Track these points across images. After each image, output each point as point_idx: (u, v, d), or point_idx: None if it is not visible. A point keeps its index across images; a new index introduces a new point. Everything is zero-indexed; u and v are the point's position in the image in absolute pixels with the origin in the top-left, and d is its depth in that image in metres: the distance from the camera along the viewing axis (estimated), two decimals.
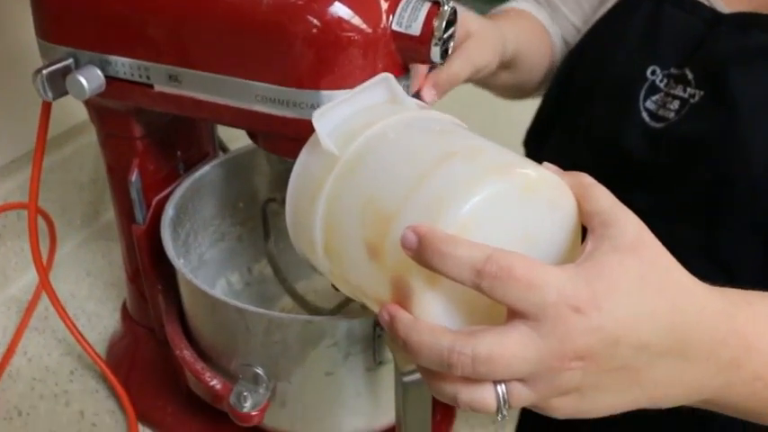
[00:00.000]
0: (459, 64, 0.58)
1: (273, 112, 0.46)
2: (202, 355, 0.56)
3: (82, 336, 0.70)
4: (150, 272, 0.60)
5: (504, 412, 0.35)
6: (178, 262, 0.52)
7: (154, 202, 0.60)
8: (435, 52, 0.45)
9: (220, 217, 0.69)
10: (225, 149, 0.73)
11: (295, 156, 0.47)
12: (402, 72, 0.48)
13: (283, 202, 0.60)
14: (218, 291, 0.72)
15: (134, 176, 0.57)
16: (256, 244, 0.73)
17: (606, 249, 0.35)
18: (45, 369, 0.75)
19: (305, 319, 0.48)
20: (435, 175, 0.37)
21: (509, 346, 0.34)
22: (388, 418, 0.57)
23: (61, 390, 0.74)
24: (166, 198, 0.60)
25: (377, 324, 0.48)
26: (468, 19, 0.61)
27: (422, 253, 0.34)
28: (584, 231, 0.38)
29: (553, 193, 0.38)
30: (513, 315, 0.34)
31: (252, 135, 0.51)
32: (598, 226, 0.37)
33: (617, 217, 0.37)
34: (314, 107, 0.44)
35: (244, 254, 0.74)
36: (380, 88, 0.44)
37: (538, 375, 0.35)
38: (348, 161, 0.41)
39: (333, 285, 0.47)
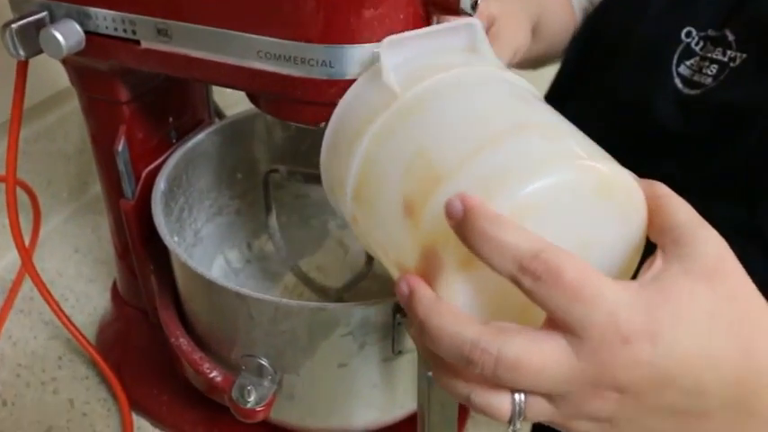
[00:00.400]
0: (497, 52, 0.53)
1: (278, 70, 0.40)
2: (200, 342, 0.51)
3: (69, 320, 0.64)
4: (141, 251, 0.55)
5: (518, 425, 0.30)
6: (171, 241, 0.47)
7: (143, 175, 0.54)
8: (466, 1, 0.39)
9: (217, 189, 0.63)
10: (221, 115, 0.67)
11: (303, 121, 0.42)
12: (423, 26, 0.42)
13: (289, 174, 0.55)
14: (216, 270, 0.66)
15: (120, 146, 0.51)
16: (256, 218, 0.67)
17: (676, 272, 0.30)
18: (31, 354, 0.70)
19: (316, 306, 0.42)
20: (502, 145, 0.32)
21: (540, 357, 0.29)
22: (404, 410, 0.52)
23: (49, 377, 0.69)
24: (157, 170, 0.54)
25: (397, 311, 0.43)
26: (487, 4, 0.55)
27: (465, 227, 0.29)
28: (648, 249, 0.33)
29: (626, 199, 0.32)
30: (553, 323, 0.29)
31: (253, 97, 0.45)
32: (671, 244, 0.31)
33: (694, 235, 0.31)
34: (325, 65, 0.38)
35: (243, 229, 0.68)
36: (462, 33, 0.39)
37: (566, 396, 0.30)
38: (408, 102, 0.36)
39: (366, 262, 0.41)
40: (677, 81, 0.60)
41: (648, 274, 0.30)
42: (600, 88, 0.68)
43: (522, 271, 0.28)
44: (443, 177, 0.32)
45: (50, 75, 0.66)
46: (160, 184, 0.52)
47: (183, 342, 0.51)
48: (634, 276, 0.32)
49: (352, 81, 0.39)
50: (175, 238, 0.56)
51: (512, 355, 0.28)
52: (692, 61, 0.60)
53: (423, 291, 0.31)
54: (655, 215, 0.32)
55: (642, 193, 0.33)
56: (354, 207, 0.39)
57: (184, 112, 0.58)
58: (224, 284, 0.43)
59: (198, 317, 0.50)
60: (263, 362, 0.46)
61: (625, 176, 0.32)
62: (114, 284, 0.69)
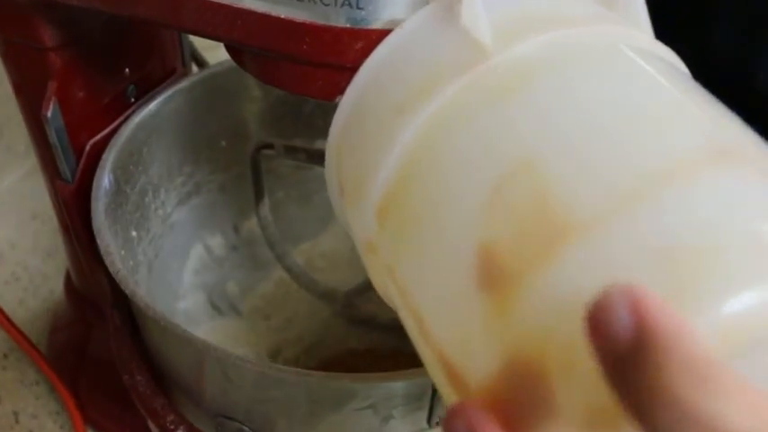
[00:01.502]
0: None
1: (276, 12, 0.25)
2: (164, 382, 0.38)
3: (9, 320, 0.51)
4: (87, 250, 0.41)
5: None
6: (117, 263, 0.32)
7: (87, 148, 0.40)
8: None
9: (193, 162, 0.48)
10: (201, 63, 0.51)
11: (310, 92, 0.27)
12: None
13: (287, 151, 0.40)
14: (194, 261, 0.52)
15: (50, 110, 0.36)
16: (245, 194, 0.53)
17: None
18: None
19: (320, 378, 0.28)
20: (695, 191, 0.17)
21: None
22: None
23: None
24: (108, 140, 0.40)
25: None
26: None
27: (635, 365, 0.14)
28: None
29: None
30: None
31: (236, 53, 0.30)
32: None
33: None
34: (349, 4, 0.23)
35: (228, 209, 0.54)
36: None
37: None
38: (507, 69, 0.21)
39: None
40: None
41: None
42: (687, 44, 0.53)
43: None
44: (575, 231, 0.17)
45: None
46: (106, 167, 0.37)
47: (139, 381, 0.38)
48: None
49: (387, 33, 0.24)
50: (133, 233, 0.42)
51: None
52: None
53: None
54: None
55: None
56: (376, 228, 0.24)
57: (147, 60, 0.43)
58: (188, 335, 0.29)
59: (163, 359, 0.37)
60: (246, 429, 0.32)
61: None
62: (68, 273, 0.55)
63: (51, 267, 0.66)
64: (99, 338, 0.52)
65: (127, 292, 0.31)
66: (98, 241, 0.33)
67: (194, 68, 0.51)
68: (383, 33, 0.25)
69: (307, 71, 0.26)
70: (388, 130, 0.22)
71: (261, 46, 0.27)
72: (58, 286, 0.64)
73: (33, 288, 0.64)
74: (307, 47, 0.25)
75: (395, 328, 0.52)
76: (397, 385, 0.29)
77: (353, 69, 0.25)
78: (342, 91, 0.26)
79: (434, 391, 0.30)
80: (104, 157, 0.38)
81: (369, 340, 0.52)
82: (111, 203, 0.37)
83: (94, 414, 0.52)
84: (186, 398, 0.37)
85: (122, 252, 0.39)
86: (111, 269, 0.32)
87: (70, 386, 0.52)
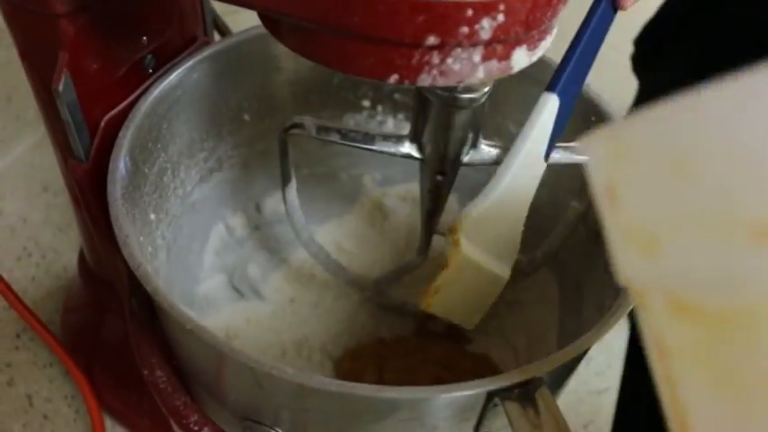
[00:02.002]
0: None
1: None
2: (186, 380, 0.35)
3: (21, 302, 0.49)
4: (104, 235, 0.38)
5: None
6: (137, 256, 0.29)
7: (103, 124, 0.36)
8: None
9: (215, 136, 0.45)
10: (223, 31, 0.48)
11: (350, 69, 0.24)
12: None
13: (319, 131, 0.37)
14: (214, 241, 0.49)
15: (62, 84, 0.33)
16: (270, 170, 0.49)
17: None
18: None
19: (364, 392, 0.25)
20: None
21: None
22: None
23: (2, 362, 0.54)
24: (124, 116, 0.37)
25: (494, 394, 0.26)
26: None
27: None
28: None
29: None
30: None
31: (270, 23, 0.27)
32: None
33: None
34: None
35: (251, 186, 0.51)
36: None
37: None
38: None
39: None
40: None
41: None
42: (729, 14, 0.49)
43: None
44: None
45: None
46: (122, 147, 0.34)
47: (160, 377, 0.35)
48: None
49: (451, 6, 0.21)
50: (152, 216, 0.39)
51: None
52: None
53: None
54: None
55: None
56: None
57: (166, 27, 0.39)
58: (216, 341, 0.26)
59: (182, 352, 0.34)
60: None
61: None
62: (81, 252, 0.52)
63: (64, 243, 0.64)
64: (114, 321, 0.50)
65: (149, 290, 0.28)
66: (116, 231, 0.30)
67: (216, 36, 0.47)
68: (446, 7, 0.21)
69: (357, 47, 0.22)
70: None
71: (303, 16, 0.23)
72: (71, 263, 0.61)
73: (46, 264, 0.62)
74: (359, 19, 0.21)
75: (425, 317, 0.50)
76: (448, 399, 0.26)
77: (413, 46, 0.22)
78: (397, 69, 0.23)
79: (486, 404, 0.28)
80: (121, 134, 0.35)
81: (398, 328, 0.49)
82: (128, 186, 0.34)
83: (110, 399, 0.50)
84: (209, 396, 0.35)
85: (141, 239, 0.36)
86: (130, 263, 0.29)
87: (85, 370, 0.50)
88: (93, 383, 0.50)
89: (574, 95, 0.34)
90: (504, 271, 0.36)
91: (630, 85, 0.70)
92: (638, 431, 0.51)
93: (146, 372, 0.36)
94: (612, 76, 0.95)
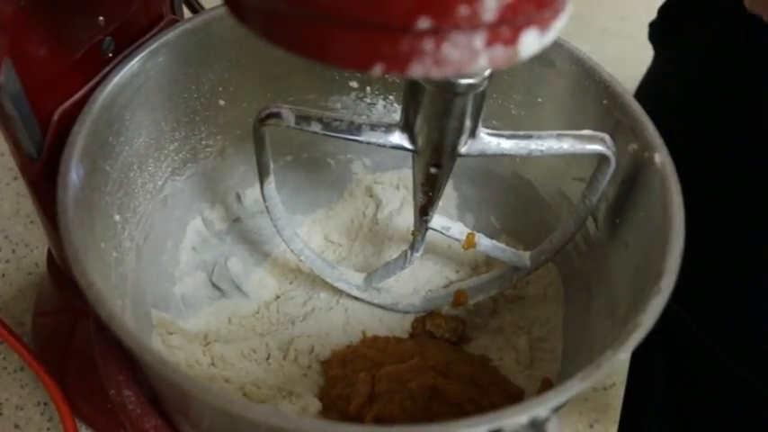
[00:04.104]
0: None
1: None
2: (157, 402, 0.32)
3: None
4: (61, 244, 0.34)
5: None
6: (91, 274, 0.26)
7: (56, 117, 0.32)
8: None
9: (187, 125, 0.41)
10: (194, 7, 0.44)
11: (325, 57, 0.20)
12: None
13: (298, 121, 0.33)
14: (192, 236, 0.46)
15: (3, 74, 0.29)
16: (248, 158, 0.45)
17: None
18: None
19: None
20: None
21: None
22: None
23: None
24: (81, 106, 0.33)
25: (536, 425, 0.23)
26: None
27: None
28: None
29: None
30: None
31: (233, 3, 0.23)
32: None
33: None
34: None
35: (230, 175, 0.47)
36: None
37: None
38: None
39: None
40: None
41: None
42: None
43: None
44: None
45: None
46: (75, 145, 0.30)
47: (128, 397, 0.32)
48: None
49: None
50: (116, 217, 0.35)
51: None
52: None
53: None
54: None
55: None
56: None
57: (126, 6, 0.35)
58: (182, 380, 0.23)
59: (151, 377, 0.30)
60: None
61: None
62: (49, 250, 0.49)
63: (36, 236, 0.60)
64: (86, 328, 0.46)
65: (102, 315, 0.24)
66: (65, 246, 0.26)
67: (187, 13, 0.43)
68: None
69: (334, 32, 0.19)
70: None
71: None
72: (42, 258, 0.58)
73: (16, 260, 0.58)
74: None
75: (420, 316, 0.46)
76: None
77: (401, 30, 0.18)
78: (382, 58, 0.19)
79: None
80: (75, 130, 0.31)
81: (388, 328, 0.46)
82: (84, 188, 0.30)
83: (84, 407, 0.47)
84: (182, 418, 0.31)
85: (102, 245, 0.32)
86: (81, 282, 0.25)
87: (56, 377, 0.46)
88: (65, 390, 0.46)
89: None
90: None
91: (634, 55, 0.66)
92: (647, 427, 0.49)
93: (112, 391, 0.32)
94: (616, 46, 0.91)
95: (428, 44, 0.19)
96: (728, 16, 0.48)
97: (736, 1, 0.46)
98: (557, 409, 0.26)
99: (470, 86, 0.28)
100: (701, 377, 0.52)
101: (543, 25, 0.21)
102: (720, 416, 0.50)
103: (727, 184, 0.48)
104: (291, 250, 0.41)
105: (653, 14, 0.63)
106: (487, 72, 0.28)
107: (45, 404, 0.49)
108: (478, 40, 0.19)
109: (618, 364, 0.25)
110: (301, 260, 0.42)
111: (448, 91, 0.28)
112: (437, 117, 0.30)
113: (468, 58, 0.20)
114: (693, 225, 0.36)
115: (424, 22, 0.18)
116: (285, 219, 0.40)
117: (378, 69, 0.19)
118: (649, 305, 0.27)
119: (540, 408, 0.23)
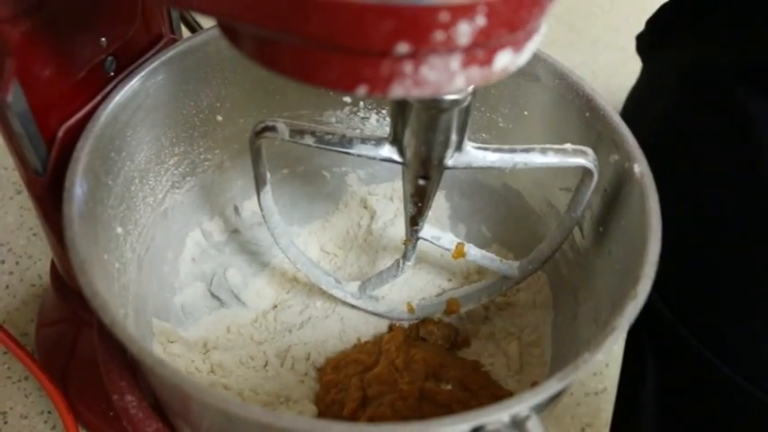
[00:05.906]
0: None
1: None
2: (158, 407, 0.33)
3: None
4: (67, 256, 0.35)
5: None
6: (94, 283, 0.27)
7: (60, 134, 0.34)
8: None
9: (186, 140, 0.43)
10: (193, 26, 0.45)
11: (312, 79, 0.21)
12: None
13: (293, 134, 0.34)
14: (191, 248, 0.47)
15: (11, 94, 0.30)
16: (246, 171, 0.47)
17: None
18: None
19: (340, 430, 0.23)
20: None
21: None
22: None
23: None
24: (84, 124, 0.34)
25: (479, 429, 0.24)
26: None
27: None
28: None
29: None
30: None
31: (229, 31, 0.24)
32: None
33: None
34: None
35: (228, 188, 0.48)
36: None
37: None
38: None
39: None
40: None
41: None
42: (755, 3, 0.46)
43: None
44: None
45: None
46: (80, 161, 0.32)
47: (130, 402, 0.33)
48: None
49: (422, 10, 0.19)
50: (118, 230, 0.36)
51: None
52: None
53: None
54: None
55: None
56: None
57: (127, 26, 0.37)
58: (182, 382, 0.24)
59: (153, 382, 0.32)
60: None
61: None
62: (53, 261, 0.50)
63: (40, 248, 0.61)
64: (90, 334, 0.48)
65: (105, 321, 0.26)
66: (71, 257, 0.28)
67: (185, 33, 0.44)
68: (417, 11, 0.19)
69: (320, 56, 0.20)
70: None
71: (258, 22, 0.21)
72: (46, 269, 0.59)
73: (20, 272, 0.59)
74: (319, 26, 0.19)
75: (414, 323, 0.47)
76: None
77: (381, 54, 0.19)
78: (365, 80, 0.21)
79: None
80: (78, 146, 0.32)
81: (386, 334, 0.47)
82: (88, 202, 0.32)
83: (88, 415, 0.48)
84: (183, 422, 0.33)
85: (105, 256, 0.33)
86: (86, 291, 0.27)
87: (60, 386, 0.48)
88: (69, 399, 0.47)
89: None
90: None
91: (626, 66, 0.68)
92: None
93: (115, 396, 0.34)
94: (608, 57, 0.93)
95: (407, 67, 0.20)
96: (713, 32, 0.49)
97: (720, 17, 0.47)
98: (540, 409, 0.27)
99: (454, 102, 0.29)
100: (692, 382, 0.53)
101: (517, 46, 0.22)
102: (712, 419, 0.51)
103: (716, 192, 0.49)
104: (288, 258, 0.43)
105: None
106: (470, 88, 0.30)
107: (49, 413, 0.51)
108: (455, 62, 0.21)
109: (595, 365, 0.26)
110: (298, 268, 0.43)
111: (433, 107, 0.30)
112: (424, 131, 0.31)
113: (446, 79, 0.21)
114: (684, 232, 0.37)
115: (402, 47, 0.20)
116: (282, 227, 0.41)
117: (362, 90, 0.21)
118: (626, 309, 0.28)
119: (519, 406, 0.24)
